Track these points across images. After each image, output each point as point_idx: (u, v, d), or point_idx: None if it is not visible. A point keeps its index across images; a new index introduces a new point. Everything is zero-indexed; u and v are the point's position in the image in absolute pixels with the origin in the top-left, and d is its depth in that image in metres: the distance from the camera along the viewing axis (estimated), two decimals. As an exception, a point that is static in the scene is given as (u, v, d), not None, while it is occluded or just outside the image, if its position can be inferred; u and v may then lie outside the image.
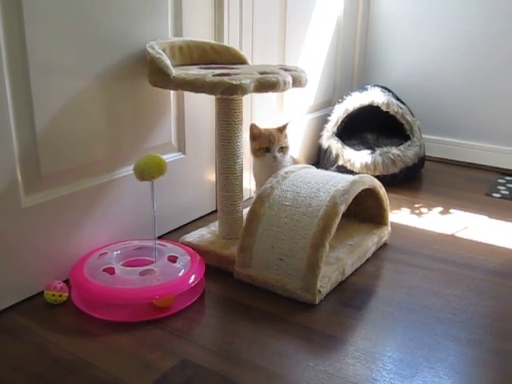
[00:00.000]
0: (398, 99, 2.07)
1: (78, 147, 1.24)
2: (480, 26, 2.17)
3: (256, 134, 1.47)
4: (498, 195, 1.93)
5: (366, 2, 2.40)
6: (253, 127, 1.47)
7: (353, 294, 1.25)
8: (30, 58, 1.09)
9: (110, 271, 1.18)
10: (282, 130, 1.49)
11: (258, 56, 1.74)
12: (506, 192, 1.96)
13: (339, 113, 2.07)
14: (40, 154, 1.15)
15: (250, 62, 1.54)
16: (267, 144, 1.46)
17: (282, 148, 1.47)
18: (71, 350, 1.03)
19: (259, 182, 1.53)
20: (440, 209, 1.79)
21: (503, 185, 2.04)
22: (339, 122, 2.06)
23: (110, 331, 1.09)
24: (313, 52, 2.10)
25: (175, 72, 1.26)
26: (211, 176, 1.67)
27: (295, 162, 1.56)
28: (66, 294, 1.18)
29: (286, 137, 1.50)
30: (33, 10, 1.08)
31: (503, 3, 2.11)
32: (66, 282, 1.20)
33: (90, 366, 0.98)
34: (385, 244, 1.50)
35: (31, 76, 1.10)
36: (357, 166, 1.94)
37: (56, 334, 1.07)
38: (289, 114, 1.99)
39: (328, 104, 2.29)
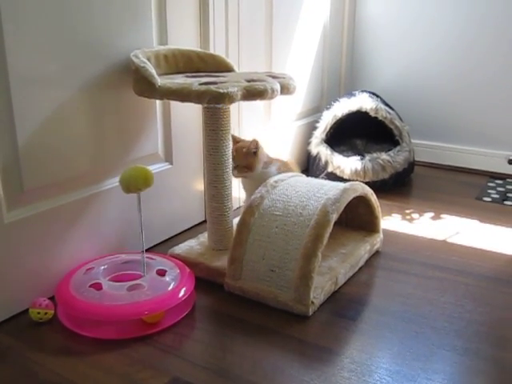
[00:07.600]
0: (386, 104, 2.06)
1: (62, 160, 1.20)
2: (469, 30, 2.17)
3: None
4: (488, 199, 1.92)
5: (352, 7, 2.40)
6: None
7: (346, 304, 1.23)
8: (11, 69, 1.06)
9: (97, 287, 1.14)
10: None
11: (245, 63, 1.72)
12: (497, 196, 1.95)
13: (327, 119, 2.05)
14: (22, 168, 1.12)
15: (236, 69, 1.52)
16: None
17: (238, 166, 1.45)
18: (58, 370, 0.99)
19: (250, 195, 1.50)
20: (431, 214, 1.77)
21: (493, 188, 2.03)
22: (328, 129, 2.05)
23: (97, 349, 1.05)
24: (300, 58, 2.08)
25: (161, 81, 1.23)
26: (199, 186, 1.64)
27: (285, 166, 1.53)
28: (52, 312, 1.14)
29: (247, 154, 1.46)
30: (12, 21, 1.04)
31: (494, 8, 2.11)
32: (52, 298, 1.16)
33: (78, 387, 0.95)
34: (377, 251, 1.48)
35: (12, 88, 1.07)
36: (346, 173, 1.92)
37: (42, 354, 1.04)
38: (277, 121, 1.97)
39: (316, 110, 2.27)
